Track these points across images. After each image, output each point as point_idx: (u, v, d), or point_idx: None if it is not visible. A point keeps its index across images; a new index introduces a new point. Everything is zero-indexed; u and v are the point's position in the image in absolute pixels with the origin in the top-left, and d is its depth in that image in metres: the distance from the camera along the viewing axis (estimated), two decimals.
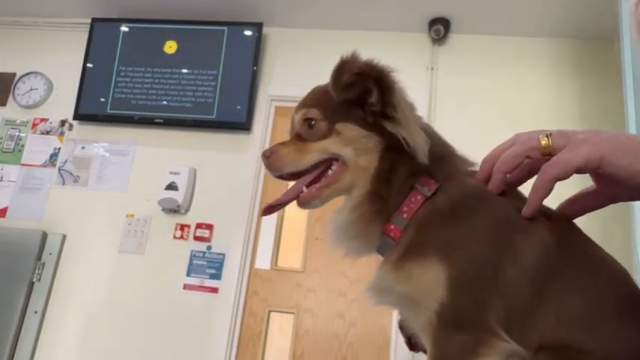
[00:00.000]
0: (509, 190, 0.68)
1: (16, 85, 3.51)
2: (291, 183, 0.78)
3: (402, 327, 0.74)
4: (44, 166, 3.34)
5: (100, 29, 3.44)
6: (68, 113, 3.35)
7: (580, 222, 0.70)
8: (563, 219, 0.67)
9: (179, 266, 3.00)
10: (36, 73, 3.51)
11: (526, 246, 0.62)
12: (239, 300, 2.95)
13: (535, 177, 0.64)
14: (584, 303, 0.60)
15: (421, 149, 0.69)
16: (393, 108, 0.71)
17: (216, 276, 2.97)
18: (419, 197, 0.69)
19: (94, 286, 3.05)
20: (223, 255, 3.01)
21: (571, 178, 0.61)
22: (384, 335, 2.83)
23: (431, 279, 0.63)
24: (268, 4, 3.21)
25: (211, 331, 2.88)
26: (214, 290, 2.95)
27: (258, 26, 3.25)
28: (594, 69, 3.04)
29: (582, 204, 0.67)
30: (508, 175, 0.66)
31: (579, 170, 0.60)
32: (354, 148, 0.73)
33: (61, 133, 3.38)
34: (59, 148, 3.35)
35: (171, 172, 3.08)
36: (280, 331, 2.95)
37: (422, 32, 3.22)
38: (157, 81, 3.29)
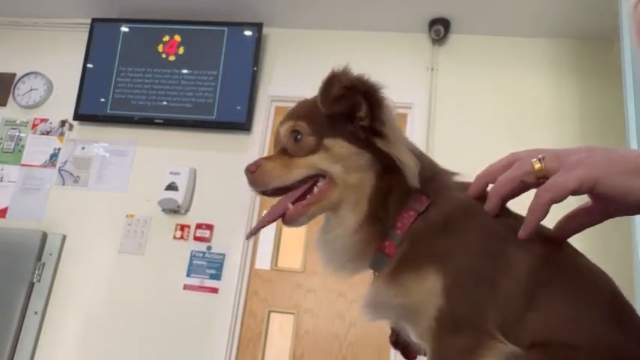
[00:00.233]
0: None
1: (16, 85, 3.51)
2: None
3: (396, 343, 0.76)
4: (44, 166, 3.34)
5: (100, 29, 3.44)
6: (68, 113, 3.35)
7: None
8: (553, 235, 0.69)
9: (179, 266, 3.00)
10: (36, 73, 3.52)
11: (518, 259, 0.63)
12: (239, 300, 2.95)
13: (528, 191, 0.66)
14: (572, 308, 0.62)
15: (412, 172, 0.70)
16: (381, 123, 0.71)
17: (217, 276, 2.97)
18: (411, 213, 0.70)
19: (94, 286, 3.05)
20: (223, 255, 3.01)
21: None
22: (384, 336, 2.78)
23: (428, 288, 0.64)
24: (268, 4, 3.21)
25: (211, 332, 2.88)
26: (214, 290, 2.95)
27: (258, 26, 3.25)
28: (594, 69, 3.04)
29: (580, 220, 0.68)
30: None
31: (574, 192, 0.61)
32: (343, 165, 0.72)
33: (61, 134, 3.38)
34: (59, 149, 3.36)
35: (171, 173, 3.08)
36: (280, 331, 2.95)
37: (422, 32, 3.22)
38: (156, 81, 3.29)
